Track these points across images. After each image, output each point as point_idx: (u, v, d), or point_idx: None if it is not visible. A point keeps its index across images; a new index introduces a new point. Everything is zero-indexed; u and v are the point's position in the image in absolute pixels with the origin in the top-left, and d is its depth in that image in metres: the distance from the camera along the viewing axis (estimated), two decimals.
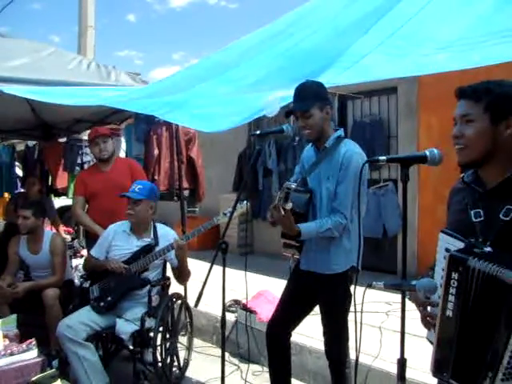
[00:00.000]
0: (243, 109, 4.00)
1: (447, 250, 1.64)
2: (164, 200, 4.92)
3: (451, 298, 1.54)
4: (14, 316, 3.62)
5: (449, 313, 1.55)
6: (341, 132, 3.00)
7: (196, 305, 2.95)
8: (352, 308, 2.36)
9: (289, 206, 2.63)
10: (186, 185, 5.01)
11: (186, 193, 5.06)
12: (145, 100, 3.75)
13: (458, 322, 1.52)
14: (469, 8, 2.40)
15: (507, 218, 1.54)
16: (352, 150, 2.87)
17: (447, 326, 1.56)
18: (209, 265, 2.86)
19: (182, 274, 3.85)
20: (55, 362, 3.62)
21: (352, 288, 2.49)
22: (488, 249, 1.54)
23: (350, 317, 2.72)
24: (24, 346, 3.22)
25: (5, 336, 3.42)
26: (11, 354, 3.15)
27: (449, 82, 3.35)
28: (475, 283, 1.48)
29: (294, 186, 2.68)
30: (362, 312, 1.95)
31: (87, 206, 4.69)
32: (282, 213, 2.63)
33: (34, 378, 3.08)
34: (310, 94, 2.88)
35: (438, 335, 1.61)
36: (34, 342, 3.25)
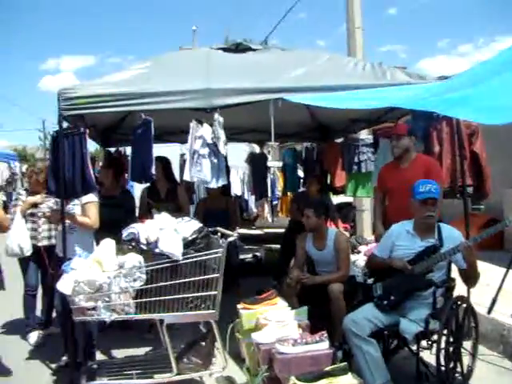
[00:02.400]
0: None
1: None
2: (446, 198, 4.73)
3: None
4: (305, 308, 3.92)
5: None
6: None
7: (489, 311, 2.76)
8: None
9: None
10: (469, 181, 4.72)
11: (470, 190, 4.78)
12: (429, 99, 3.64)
13: None
14: None
15: None
16: None
17: None
18: (494, 267, 2.65)
19: (471, 277, 3.65)
20: (339, 353, 3.80)
21: None
22: None
23: None
24: (317, 336, 3.46)
25: (299, 326, 3.73)
26: (306, 343, 3.41)
27: None
28: None
29: None
30: None
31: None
32: None
33: (326, 368, 3.28)
34: None
35: None
36: (325, 334, 3.46)
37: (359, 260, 6.63)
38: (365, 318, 3.65)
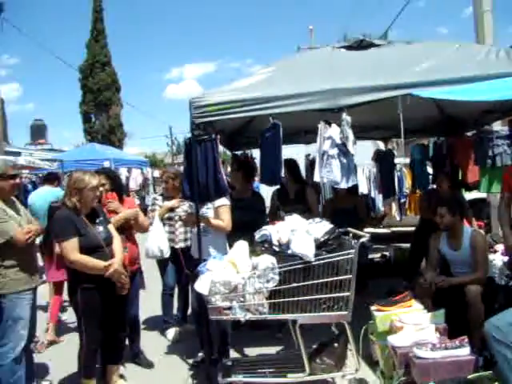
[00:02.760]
0: None
1: None
2: None
3: None
4: (443, 311, 3.77)
5: None
6: None
7: None
8: None
9: None
10: None
11: None
12: None
13: None
14: None
15: None
16: None
17: None
18: None
19: None
20: (481, 360, 3.60)
21: None
22: None
23: None
24: (457, 341, 3.31)
25: (436, 329, 3.60)
26: (446, 348, 3.28)
27: None
28: None
29: None
30: None
31: None
32: None
33: (469, 376, 3.13)
34: None
35: None
36: (466, 340, 3.31)
37: (496, 260, 6.21)
38: (510, 323, 3.43)
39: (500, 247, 6.79)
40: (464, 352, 3.33)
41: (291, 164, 5.76)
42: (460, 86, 4.06)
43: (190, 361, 4.86)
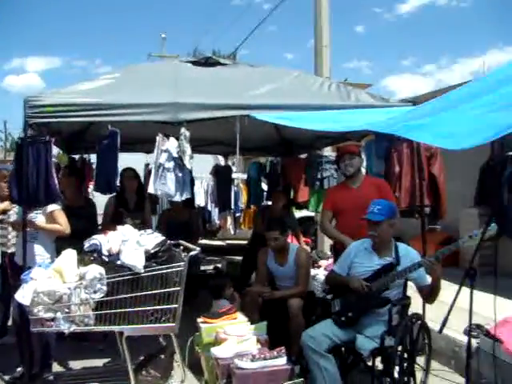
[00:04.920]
0: (490, 126, 3.75)
1: None
2: (404, 217, 4.86)
3: None
4: (265, 323, 3.96)
5: None
6: None
7: (440, 331, 2.85)
8: None
9: None
10: (427, 201, 4.88)
11: (427, 210, 4.94)
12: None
13: None
14: None
15: None
16: None
17: None
18: (450, 284, 2.75)
19: (434, 293, 3.74)
20: (297, 368, 3.86)
21: None
22: None
23: None
24: (275, 352, 3.50)
25: (257, 341, 3.77)
26: (264, 359, 3.45)
27: None
28: None
29: None
30: None
31: (334, 220, 4.89)
32: None
33: None
34: None
35: None
36: (283, 350, 3.51)
37: (319, 274, 6.71)
38: (323, 333, 3.71)
39: (324, 262, 7.35)
40: (281, 362, 3.53)
41: (135, 173, 5.68)
42: (294, 112, 4.35)
43: (7, 377, 4.49)
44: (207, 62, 5.13)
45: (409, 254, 3.85)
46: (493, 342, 4.07)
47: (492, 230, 3.16)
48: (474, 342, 4.50)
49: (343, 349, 4.08)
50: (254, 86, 4.69)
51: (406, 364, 3.86)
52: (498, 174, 6.78)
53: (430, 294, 3.76)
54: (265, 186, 8.36)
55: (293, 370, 3.62)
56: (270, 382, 3.45)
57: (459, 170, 8.27)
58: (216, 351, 3.74)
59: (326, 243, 9.32)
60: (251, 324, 4.12)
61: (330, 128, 4.17)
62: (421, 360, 4.31)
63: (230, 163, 9.86)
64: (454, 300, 2.77)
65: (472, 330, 4.67)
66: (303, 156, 7.57)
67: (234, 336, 3.80)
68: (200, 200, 10.33)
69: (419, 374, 4.16)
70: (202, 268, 7.88)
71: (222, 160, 10.33)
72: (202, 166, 7.63)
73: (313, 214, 9.72)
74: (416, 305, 4.19)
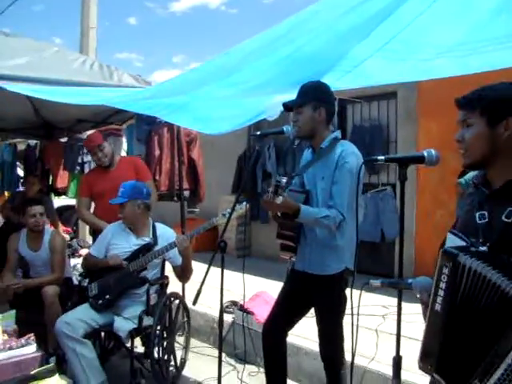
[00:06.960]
0: (244, 112, 4.04)
1: None
2: (164, 200, 4.95)
3: (441, 292, 1.53)
4: (13, 312, 3.63)
5: (437, 307, 1.54)
6: (337, 134, 2.94)
7: (194, 302, 2.95)
8: (348, 310, 2.38)
9: (279, 199, 2.59)
10: (186, 185, 5.03)
11: (187, 193, 5.09)
12: (147, 101, 3.79)
13: (445, 317, 1.51)
14: (467, 14, 2.43)
15: (509, 220, 1.53)
16: (348, 150, 2.82)
17: (435, 319, 1.56)
18: (206, 266, 2.87)
19: (186, 272, 3.86)
20: (52, 359, 3.65)
21: (348, 290, 2.51)
22: (483, 248, 1.54)
23: (347, 319, 2.63)
24: (23, 340, 3.25)
25: (4, 331, 3.44)
26: (10, 349, 3.17)
27: (448, 88, 3.37)
28: (465, 280, 1.46)
29: (284, 180, 2.62)
30: (358, 314, 1.95)
31: (93, 205, 4.74)
32: (278, 202, 2.59)
33: (32, 372, 3.10)
34: (308, 92, 2.87)
35: (426, 327, 1.62)
36: (32, 337, 3.27)
37: (80, 264, 6.46)
38: (78, 318, 3.58)
39: (85, 251, 7.08)
40: (29, 350, 3.27)
41: None
42: (51, 86, 4.09)
43: None
44: None
45: (166, 233, 3.94)
46: (244, 314, 4.41)
47: (242, 207, 3.41)
48: (230, 317, 4.85)
49: (103, 334, 4.01)
50: (8, 56, 4.26)
51: (165, 343, 3.94)
52: (253, 163, 7.36)
53: (182, 273, 3.90)
54: (21, 172, 7.74)
55: (46, 359, 3.40)
56: (17, 372, 3.17)
57: (219, 159, 8.81)
58: None
59: (88, 231, 9.04)
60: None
61: (80, 102, 4.02)
62: (181, 339, 4.46)
63: None
64: (206, 274, 2.89)
65: (228, 306, 5.04)
66: (64, 140, 7.18)
67: None
68: None
69: (180, 352, 4.29)
70: None
71: None
72: None
73: (74, 202, 9.34)
74: (175, 285, 4.31)
